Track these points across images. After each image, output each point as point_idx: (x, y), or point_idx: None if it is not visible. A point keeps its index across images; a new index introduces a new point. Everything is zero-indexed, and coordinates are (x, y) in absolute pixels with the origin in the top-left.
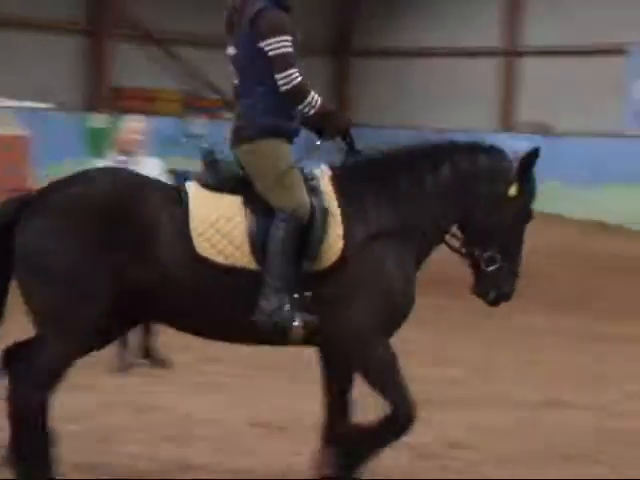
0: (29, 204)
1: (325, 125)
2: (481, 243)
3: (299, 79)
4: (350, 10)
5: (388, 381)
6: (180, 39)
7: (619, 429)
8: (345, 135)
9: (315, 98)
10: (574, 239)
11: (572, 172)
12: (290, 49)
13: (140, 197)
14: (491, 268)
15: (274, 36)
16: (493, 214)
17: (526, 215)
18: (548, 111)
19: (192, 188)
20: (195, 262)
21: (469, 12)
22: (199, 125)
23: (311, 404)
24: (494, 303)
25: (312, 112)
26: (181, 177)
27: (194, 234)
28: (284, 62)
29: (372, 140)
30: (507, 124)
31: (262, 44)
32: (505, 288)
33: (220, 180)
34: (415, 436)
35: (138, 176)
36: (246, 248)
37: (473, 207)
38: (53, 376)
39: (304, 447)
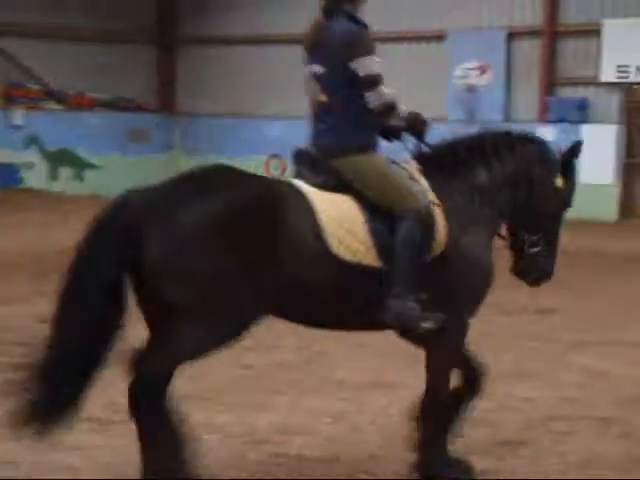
0: (157, 209)
1: (407, 128)
2: (528, 228)
3: (390, 97)
4: None
5: (447, 367)
6: (1, 29)
7: None
8: (423, 135)
9: (402, 110)
10: None
11: None
12: (379, 69)
13: (280, 198)
14: (534, 250)
15: (365, 55)
16: (543, 203)
17: (567, 204)
18: None
19: (303, 186)
20: (328, 260)
21: None
22: (19, 116)
23: None
24: (535, 283)
25: (402, 123)
26: None
27: (326, 233)
28: (374, 81)
29: (208, 128)
30: None
31: (353, 63)
32: (547, 269)
33: (325, 179)
34: (248, 422)
35: (259, 176)
36: (370, 244)
37: (527, 195)
38: (181, 360)
39: (135, 442)
